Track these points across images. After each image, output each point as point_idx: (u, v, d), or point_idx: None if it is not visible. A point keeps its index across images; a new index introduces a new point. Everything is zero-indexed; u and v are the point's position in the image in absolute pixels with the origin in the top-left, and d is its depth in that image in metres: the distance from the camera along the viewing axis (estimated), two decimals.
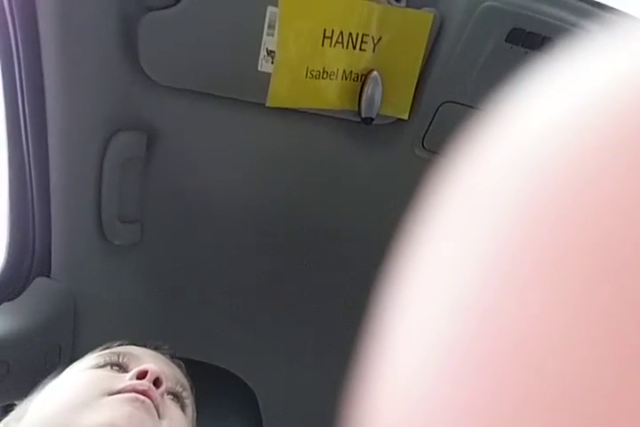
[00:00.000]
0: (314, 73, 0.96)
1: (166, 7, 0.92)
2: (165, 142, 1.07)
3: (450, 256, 0.15)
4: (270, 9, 0.93)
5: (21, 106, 0.98)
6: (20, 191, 1.04)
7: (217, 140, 1.08)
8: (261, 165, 1.10)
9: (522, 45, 0.94)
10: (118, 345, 0.89)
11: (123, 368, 0.82)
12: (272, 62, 0.95)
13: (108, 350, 0.87)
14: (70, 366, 0.85)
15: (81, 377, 0.80)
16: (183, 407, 0.83)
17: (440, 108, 1.01)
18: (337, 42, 0.96)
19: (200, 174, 1.11)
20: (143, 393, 0.75)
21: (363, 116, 1.01)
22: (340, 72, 0.98)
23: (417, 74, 1.00)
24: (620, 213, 0.12)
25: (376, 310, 0.17)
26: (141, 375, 0.78)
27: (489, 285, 0.14)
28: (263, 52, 0.95)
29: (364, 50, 0.98)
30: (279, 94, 0.96)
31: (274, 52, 0.95)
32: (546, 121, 0.14)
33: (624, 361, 0.11)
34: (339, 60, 0.97)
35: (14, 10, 0.91)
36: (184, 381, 0.88)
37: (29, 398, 0.81)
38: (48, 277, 1.11)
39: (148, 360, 0.83)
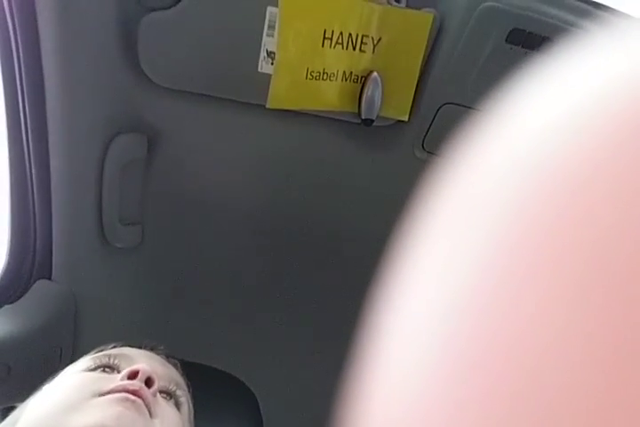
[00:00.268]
0: (314, 74, 0.96)
1: (166, 8, 0.92)
2: (166, 144, 1.07)
3: (445, 257, 0.15)
4: (270, 10, 0.93)
5: (22, 108, 0.98)
6: (21, 194, 1.04)
7: (217, 142, 1.08)
8: (261, 167, 1.10)
9: (522, 46, 0.94)
10: (112, 347, 0.89)
11: (114, 370, 0.82)
12: (272, 63, 0.95)
13: (100, 353, 0.87)
14: (64, 370, 0.85)
15: (72, 380, 0.80)
16: (178, 406, 0.83)
17: (440, 110, 1.01)
18: (337, 43, 0.96)
19: (200, 176, 1.11)
20: (134, 393, 0.75)
21: (363, 117, 1.01)
22: (340, 73, 0.98)
23: (417, 75, 1.00)
24: (616, 213, 0.12)
25: (372, 310, 0.17)
26: (132, 375, 0.77)
27: (485, 285, 0.14)
28: (263, 53, 0.95)
29: (364, 51, 0.98)
30: (279, 95, 0.96)
31: (274, 53, 0.95)
32: (544, 122, 0.14)
33: (618, 360, 0.11)
34: (339, 61, 0.97)
35: (14, 10, 0.91)
36: (178, 379, 0.87)
37: (25, 403, 0.81)
38: (49, 279, 1.11)
39: (141, 360, 0.83)
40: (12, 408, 0.88)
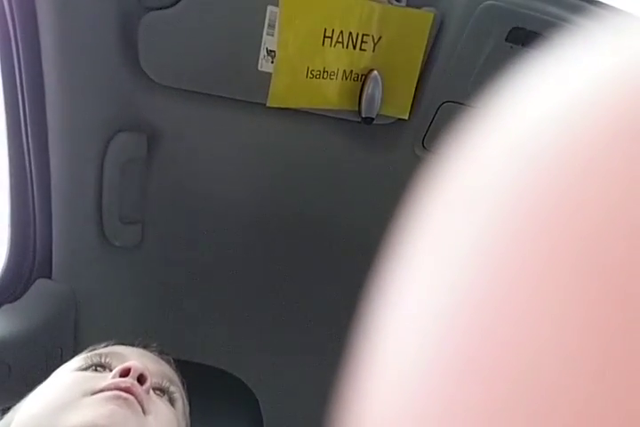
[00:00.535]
0: (314, 73, 0.96)
1: (166, 7, 0.92)
2: (166, 143, 1.07)
3: (441, 254, 0.15)
4: (270, 8, 0.93)
5: (21, 107, 0.98)
6: (20, 193, 1.04)
7: (217, 141, 1.08)
8: (262, 165, 1.10)
9: (522, 44, 0.94)
10: (104, 346, 0.89)
11: (106, 368, 0.82)
12: (272, 62, 0.95)
13: (91, 352, 0.87)
14: (56, 370, 0.85)
15: (64, 380, 0.80)
16: (172, 402, 0.83)
17: (440, 108, 1.01)
18: (337, 41, 0.96)
19: (200, 175, 1.11)
20: (126, 390, 0.75)
21: (363, 115, 1.01)
22: (341, 72, 0.98)
23: (417, 73, 1.00)
24: (611, 209, 0.12)
25: (368, 308, 0.17)
26: (124, 373, 0.77)
27: (480, 282, 0.14)
28: (263, 52, 0.95)
29: (365, 49, 0.98)
30: (279, 94, 0.96)
31: (274, 51, 0.95)
32: (542, 118, 0.14)
33: (613, 358, 0.11)
34: (339, 59, 0.97)
35: (14, 10, 0.91)
36: (172, 375, 0.87)
37: (19, 404, 0.81)
38: (49, 278, 1.11)
39: (133, 358, 0.83)
40: (11, 408, 0.88)
